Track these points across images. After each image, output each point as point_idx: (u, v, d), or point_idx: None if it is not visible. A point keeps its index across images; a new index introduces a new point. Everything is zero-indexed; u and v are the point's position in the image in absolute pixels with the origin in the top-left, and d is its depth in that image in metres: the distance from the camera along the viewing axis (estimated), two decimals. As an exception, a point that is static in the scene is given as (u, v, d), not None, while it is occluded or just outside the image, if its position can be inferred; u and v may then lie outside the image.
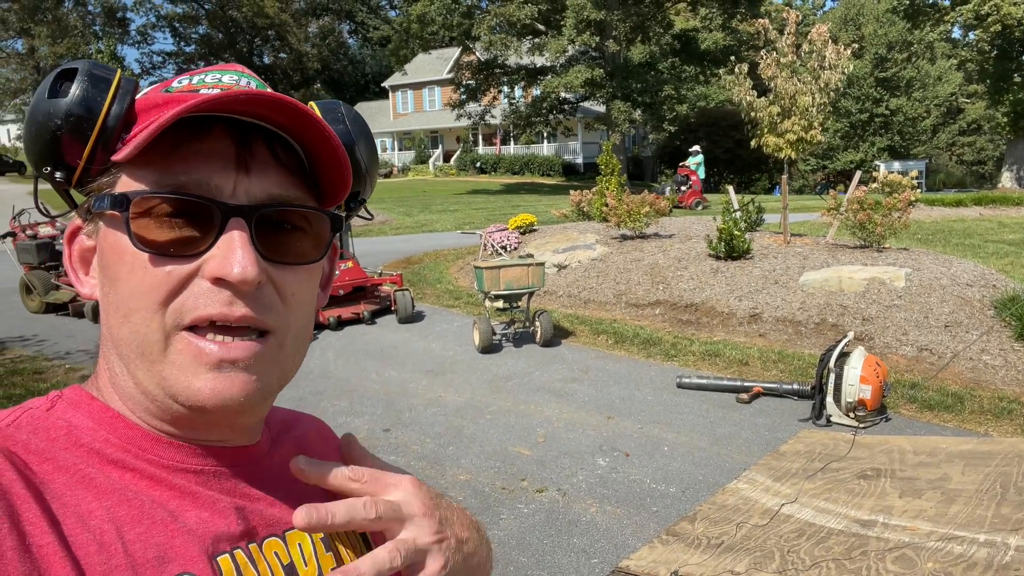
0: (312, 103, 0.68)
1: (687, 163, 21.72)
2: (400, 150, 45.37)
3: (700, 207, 20.52)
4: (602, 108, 31.06)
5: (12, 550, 0.44)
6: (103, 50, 44.49)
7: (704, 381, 5.42)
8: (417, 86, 45.42)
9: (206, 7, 54.99)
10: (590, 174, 37.15)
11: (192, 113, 0.52)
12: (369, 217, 0.78)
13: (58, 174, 0.56)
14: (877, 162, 34.30)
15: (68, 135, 0.54)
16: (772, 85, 8.71)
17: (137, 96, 0.57)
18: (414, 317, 7.82)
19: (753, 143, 8.93)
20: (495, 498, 3.90)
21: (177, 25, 56.46)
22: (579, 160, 39.07)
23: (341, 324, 7.55)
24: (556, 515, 3.69)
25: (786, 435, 4.58)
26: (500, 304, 6.61)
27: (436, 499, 0.62)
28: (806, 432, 4.65)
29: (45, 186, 0.61)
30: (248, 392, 0.54)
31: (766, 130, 8.72)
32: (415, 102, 46.76)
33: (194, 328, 0.53)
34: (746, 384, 5.30)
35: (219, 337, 0.53)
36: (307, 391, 5.65)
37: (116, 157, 0.54)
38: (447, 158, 42.50)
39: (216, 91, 0.55)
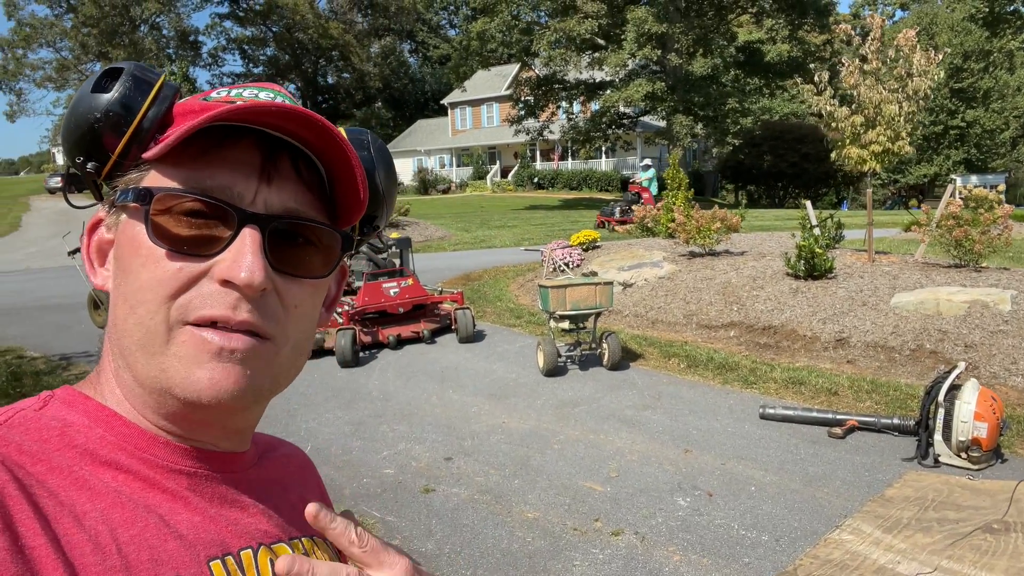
0: (341, 128, 0.68)
1: (637, 179, 20.08)
2: (458, 166, 45.69)
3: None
4: (662, 122, 30.55)
5: (4, 551, 0.44)
6: (176, 72, 46.34)
7: (791, 412, 4.97)
8: (476, 103, 45.74)
9: (273, 30, 56.80)
10: (650, 189, 36.65)
11: (223, 120, 0.53)
12: (383, 247, 0.92)
13: (90, 165, 0.58)
14: (953, 176, 32.80)
15: (105, 129, 0.57)
16: (855, 94, 8.20)
17: (177, 102, 0.60)
18: (475, 336, 7.57)
19: (833, 155, 8.42)
20: (567, 540, 3.56)
21: (246, 47, 58.47)
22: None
23: (400, 343, 7.35)
24: (635, 563, 3.34)
25: (889, 476, 4.12)
26: (566, 325, 6.29)
27: None
28: (913, 475, 4.16)
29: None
30: (241, 386, 0.54)
31: (848, 141, 8.19)
32: (473, 119, 47.09)
33: (196, 325, 0.53)
34: (839, 417, 4.84)
35: (219, 331, 0.54)
36: (366, 414, 5.44)
37: (147, 155, 0.56)
38: (504, 174, 42.53)
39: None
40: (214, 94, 0.60)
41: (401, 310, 7.39)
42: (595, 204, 30.67)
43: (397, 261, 8.03)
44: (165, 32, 54.06)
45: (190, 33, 55.01)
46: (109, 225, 0.60)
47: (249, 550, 0.58)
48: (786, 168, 35.04)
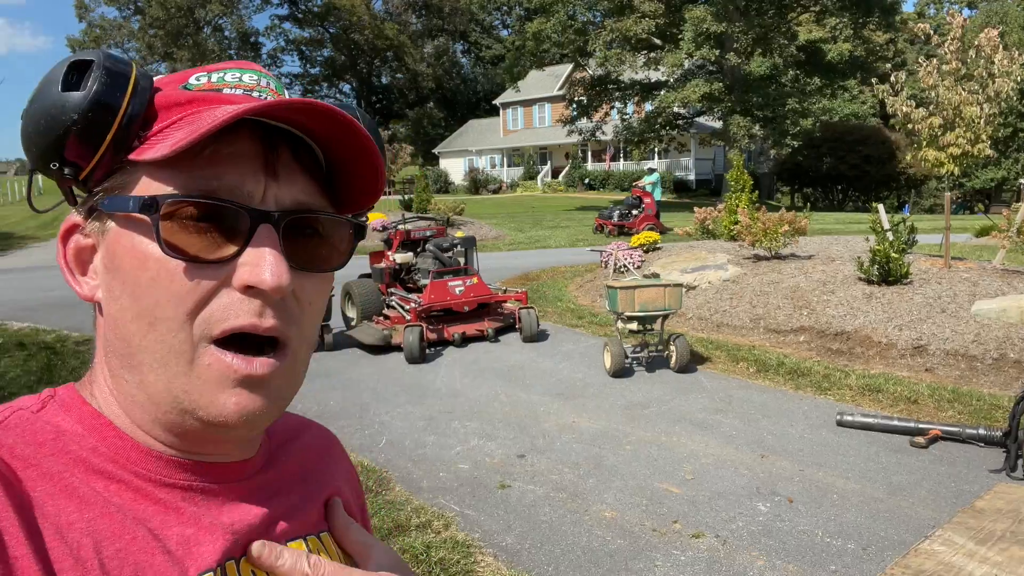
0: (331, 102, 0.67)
1: (640, 183, 19.11)
2: (509, 166, 45.82)
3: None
4: (718, 123, 30.10)
5: None
6: (237, 72, 47.54)
7: (870, 420, 4.86)
8: (527, 103, 45.80)
9: (331, 31, 57.88)
10: (703, 191, 36.15)
11: (247, 116, 0.49)
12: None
13: (66, 170, 0.53)
14: (1022, 180, 31.45)
15: (82, 132, 0.51)
16: (932, 95, 7.96)
17: (161, 94, 0.55)
18: (538, 336, 7.60)
19: (908, 158, 8.20)
20: (646, 541, 3.57)
21: (304, 49, 59.71)
22: (691, 177, 38.06)
23: (465, 341, 7.43)
24: (718, 566, 3.32)
25: (977, 488, 4.00)
26: (633, 326, 6.27)
27: None
28: (1004, 486, 4.03)
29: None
30: (268, 409, 0.53)
31: (925, 144, 7.96)
32: (525, 119, 47.16)
33: (219, 341, 0.51)
34: (920, 426, 4.71)
35: (240, 354, 0.52)
36: (437, 409, 5.52)
37: (147, 156, 0.50)
38: (555, 174, 42.49)
39: (240, 91, 0.55)
40: (192, 80, 0.56)
41: (466, 308, 7.46)
42: (648, 205, 30.40)
43: (462, 260, 8.12)
44: (227, 34, 55.61)
45: (251, 35, 56.48)
46: (89, 232, 0.55)
47: (232, 561, 0.55)
48: (846, 170, 34.18)
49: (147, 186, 0.52)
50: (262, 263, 0.51)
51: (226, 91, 0.55)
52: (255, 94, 0.56)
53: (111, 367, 0.55)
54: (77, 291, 0.57)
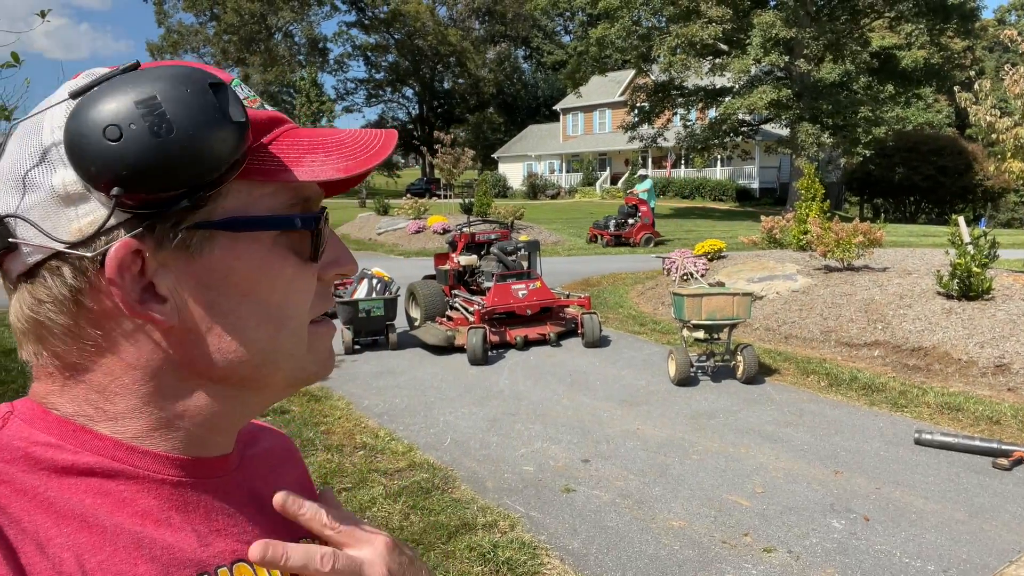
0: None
1: (634, 190, 18.32)
2: (568, 172, 45.75)
3: (652, 244, 17.17)
4: (784, 131, 29.44)
5: None
6: (305, 77, 48.96)
7: (950, 439, 4.68)
8: (588, 109, 45.69)
9: (396, 37, 58.96)
10: (766, 199, 35.37)
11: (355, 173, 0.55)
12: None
13: (184, 201, 0.49)
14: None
15: (233, 161, 0.50)
16: (1019, 103, 7.64)
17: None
18: (600, 342, 7.57)
19: (992, 169, 7.86)
20: (715, 552, 3.51)
21: (370, 54, 60.97)
22: (755, 185, 37.30)
23: (527, 344, 7.46)
24: (790, 582, 3.25)
25: (1067, 514, 3.81)
26: (700, 335, 6.18)
27: (407, 567, 0.61)
28: (1097, 515, 3.84)
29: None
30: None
31: (1009, 154, 7.63)
32: (585, 124, 47.05)
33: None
34: (1004, 447, 4.51)
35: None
36: (500, 411, 5.56)
37: (309, 176, 0.53)
38: (614, 180, 42.22)
39: (256, 106, 0.55)
40: (241, 94, 0.54)
41: (529, 312, 7.49)
42: (707, 213, 29.93)
43: (525, 264, 8.15)
44: (297, 39, 57.24)
45: (319, 40, 58.01)
46: (161, 259, 0.50)
47: (225, 568, 0.54)
48: (919, 181, 32.94)
49: (248, 198, 0.53)
50: (343, 252, 0.60)
51: (255, 106, 0.56)
52: (256, 107, 0.56)
53: (177, 390, 0.54)
54: (159, 320, 0.51)
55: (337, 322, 7.17)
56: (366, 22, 59.36)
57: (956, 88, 8.41)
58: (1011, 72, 7.73)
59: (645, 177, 18.34)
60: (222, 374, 0.55)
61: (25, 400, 0.55)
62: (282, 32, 55.93)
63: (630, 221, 17.61)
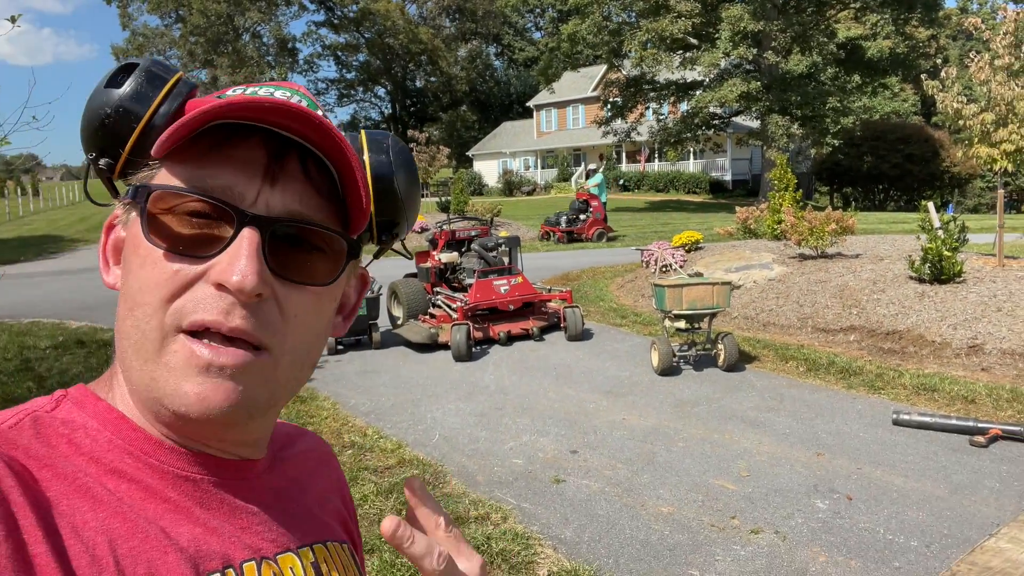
0: (362, 131, 0.69)
1: (585, 185, 18.25)
2: (543, 168, 45.83)
3: (604, 239, 17.26)
4: (755, 123, 29.76)
5: (6, 558, 0.43)
6: (275, 78, 48.48)
7: (927, 419, 4.80)
8: (561, 104, 45.79)
9: (366, 36, 58.55)
10: (739, 191, 35.73)
11: (219, 118, 0.51)
12: (407, 255, 0.83)
13: (102, 161, 0.58)
14: (1074, 178, 30.48)
15: (116, 125, 0.56)
16: (983, 90, 7.82)
17: (193, 99, 0.59)
18: (583, 335, 7.63)
19: (960, 155, 8.04)
20: (705, 535, 3.58)
21: (339, 54, 60.48)
22: (727, 177, 37.66)
23: (511, 339, 7.50)
24: (779, 561, 3.33)
25: (1042, 488, 3.93)
26: (681, 324, 6.27)
27: None
28: (1070, 486, 3.97)
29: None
30: (232, 403, 0.52)
31: (976, 140, 7.82)
32: (559, 120, 47.15)
33: (191, 333, 0.51)
34: (980, 425, 4.64)
35: (212, 343, 0.51)
36: (487, 406, 5.59)
37: (152, 151, 0.53)
38: (589, 176, 42.38)
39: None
40: (229, 92, 0.58)
41: (511, 307, 7.53)
42: (682, 206, 30.18)
43: (506, 259, 8.19)
44: (265, 40, 56.58)
45: (288, 41, 57.39)
46: (123, 223, 0.58)
47: (252, 562, 0.56)
48: (888, 169, 33.47)
49: (161, 179, 0.55)
50: (235, 263, 0.51)
51: (231, 99, 0.56)
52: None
53: (117, 356, 0.57)
54: (104, 279, 0.59)
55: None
56: (335, 21, 58.85)
57: (923, 76, 8.57)
58: (976, 59, 7.91)
59: (595, 171, 18.14)
60: (120, 350, 0.56)
61: (80, 385, 0.58)
62: (250, 33, 55.23)
63: (581, 217, 17.50)
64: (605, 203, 18.28)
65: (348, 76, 62.03)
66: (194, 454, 0.56)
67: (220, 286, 0.51)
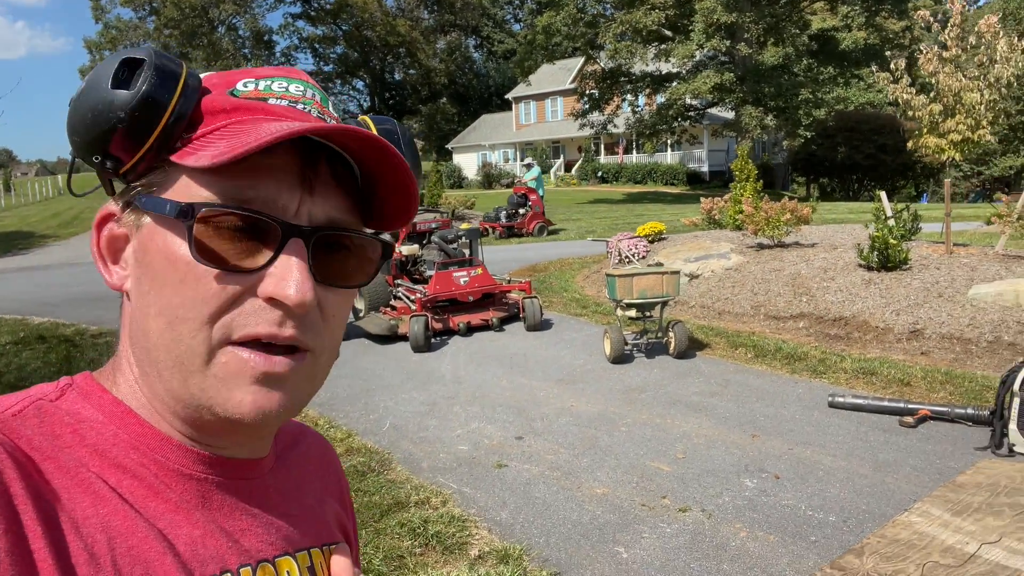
0: (367, 118, 0.68)
1: (522, 179, 18.18)
2: (522, 160, 45.87)
3: (545, 232, 17.40)
4: (730, 114, 30.02)
5: (5, 552, 0.43)
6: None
7: (861, 401, 4.97)
8: (540, 97, 45.81)
9: (343, 28, 58.15)
10: (716, 182, 36.02)
11: (291, 137, 0.50)
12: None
13: (108, 164, 0.53)
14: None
15: (128, 130, 0.51)
16: (933, 81, 8.01)
17: (207, 97, 0.55)
18: (542, 325, 7.75)
19: (910, 144, 8.23)
20: (635, 515, 3.71)
21: (317, 46, 60.03)
22: (704, 168, 37.94)
23: (470, 330, 7.60)
24: (702, 537, 3.46)
25: (961, 464, 4.10)
26: (632, 313, 6.40)
27: None
28: (986, 463, 4.12)
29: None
30: (285, 407, 0.53)
31: (925, 130, 8.01)
32: (537, 113, 47.18)
33: (239, 343, 0.52)
34: (910, 406, 4.81)
35: (260, 351, 0.52)
36: (440, 395, 5.69)
37: (188, 162, 0.51)
38: (568, 168, 42.52)
39: (285, 103, 0.55)
40: (240, 85, 0.56)
41: (471, 298, 7.63)
42: (660, 198, 30.38)
43: (467, 251, 8.28)
44: (241, 33, 56.02)
45: (264, 33, 56.85)
46: (125, 223, 0.56)
47: (249, 567, 0.56)
48: (861, 160, 33.89)
49: (185, 188, 0.52)
50: (288, 277, 0.51)
51: (271, 101, 0.55)
52: (300, 106, 0.56)
53: (136, 355, 0.55)
54: (107, 279, 0.57)
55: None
56: (312, 13, 58.42)
57: (873, 67, 8.75)
58: (925, 51, 8.09)
59: (531, 165, 18.01)
60: (145, 355, 0.54)
61: (86, 374, 0.58)
62: (225, 25, 54.71)
63: (521, 211, 17.39)
64: (543, 196, 18.21)
65: (326, 69, 61.62)
66: (200, 453, 0.56)
67: (273, 300, 0.51)
